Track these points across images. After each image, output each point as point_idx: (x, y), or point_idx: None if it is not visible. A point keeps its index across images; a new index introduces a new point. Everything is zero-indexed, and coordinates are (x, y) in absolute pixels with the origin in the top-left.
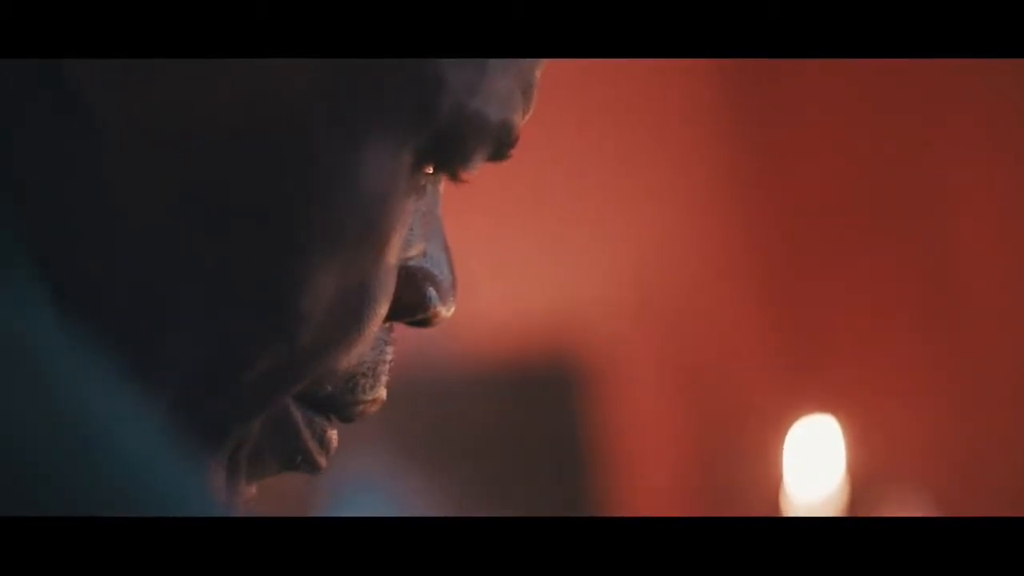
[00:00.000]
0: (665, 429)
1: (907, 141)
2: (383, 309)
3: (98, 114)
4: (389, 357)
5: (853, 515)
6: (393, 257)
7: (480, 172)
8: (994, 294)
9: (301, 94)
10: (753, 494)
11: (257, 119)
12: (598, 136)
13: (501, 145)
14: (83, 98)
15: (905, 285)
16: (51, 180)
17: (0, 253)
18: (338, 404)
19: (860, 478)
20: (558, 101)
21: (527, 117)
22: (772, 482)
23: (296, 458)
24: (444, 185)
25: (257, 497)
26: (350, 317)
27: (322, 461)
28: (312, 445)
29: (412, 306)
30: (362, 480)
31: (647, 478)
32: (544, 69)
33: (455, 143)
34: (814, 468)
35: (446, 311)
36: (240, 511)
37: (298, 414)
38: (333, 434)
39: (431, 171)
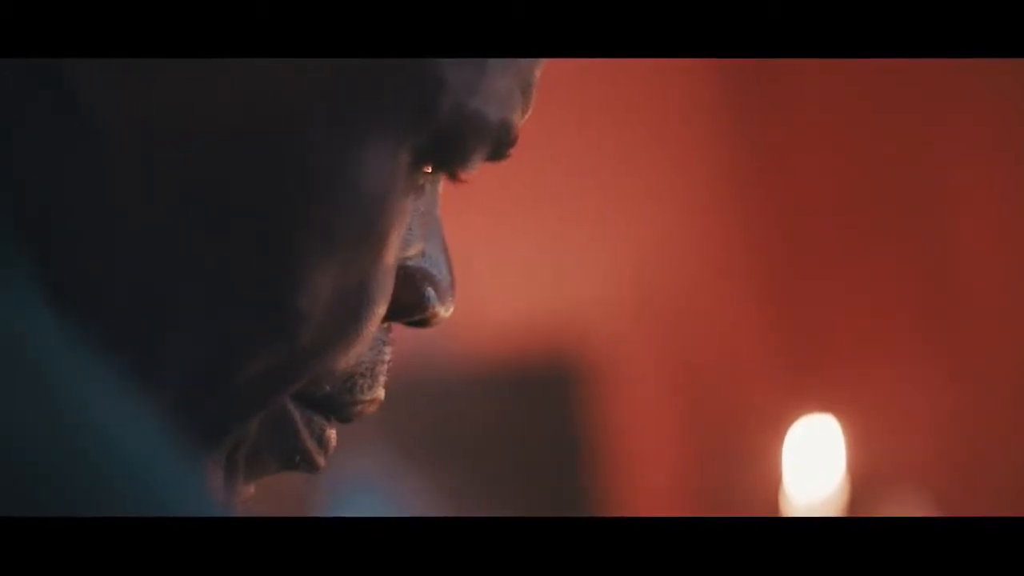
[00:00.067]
0: (665, 429)
1: (907, 141)
2: (381, 309)
3: (98, 114)
4: (387, 357)
5: (853, 515)
6: (392, 257)
7: (480, 172)
8: (994, 294)
9: (301, 94)
10: (753, 494)
11: (257, 119)
12: (598, 136)
13: (500, 145)
14: (83, 98)
15: (905, 285)
16: (51, 180)
17: (0, 253)
18: (336, 404)
19: (860, 478)
20: (558, 101)
21: (526, 117)
22: (772, 482)
23: (295, 457)
24: (444, 185)
25: (255, 497)
26: (349, 317)
27: (321, 461)
28: (311, 444)
29: (410, 306)
30: (361, 480)
31: (647, 478)
32: (544, 69)
33: (454, 143)
34: (814, 468)
35: (444, 311)
36: (238, 511)
37: (296, 413)
38: (332, 433)
39: (430, 171)
